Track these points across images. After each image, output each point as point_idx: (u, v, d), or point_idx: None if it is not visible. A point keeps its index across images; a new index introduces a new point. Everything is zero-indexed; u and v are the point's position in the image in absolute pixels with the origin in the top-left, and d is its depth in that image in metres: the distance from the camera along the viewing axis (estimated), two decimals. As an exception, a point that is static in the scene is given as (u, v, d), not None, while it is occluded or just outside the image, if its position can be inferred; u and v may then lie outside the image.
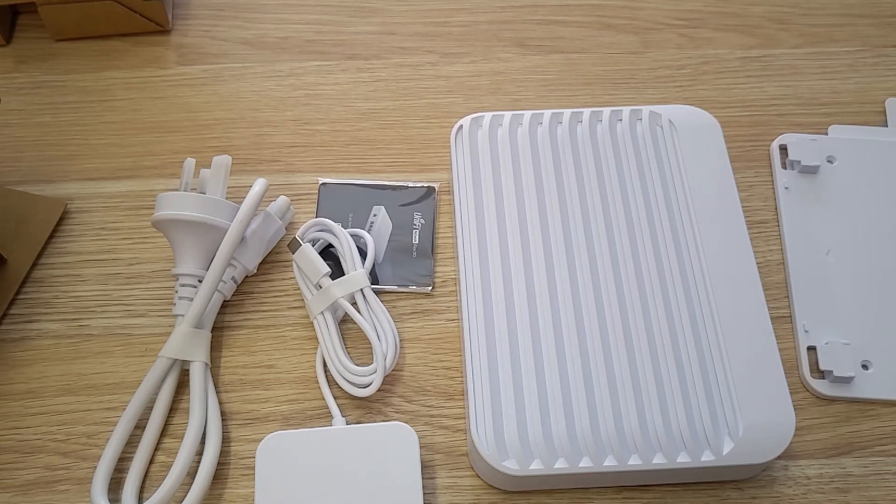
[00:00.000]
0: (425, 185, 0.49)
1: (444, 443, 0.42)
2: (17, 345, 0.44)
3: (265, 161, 0.50)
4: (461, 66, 0.54)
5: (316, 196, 0.49)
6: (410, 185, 0.49)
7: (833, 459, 0.42)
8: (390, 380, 0.43)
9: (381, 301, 0.44)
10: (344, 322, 0.45)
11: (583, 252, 0.44)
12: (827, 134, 0.51)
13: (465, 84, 0.54)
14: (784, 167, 0.50)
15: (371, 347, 0.43)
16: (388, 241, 0.47)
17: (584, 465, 0.38)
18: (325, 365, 0.43)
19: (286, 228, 0.47)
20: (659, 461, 0.39)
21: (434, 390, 0.43)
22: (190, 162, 0.45)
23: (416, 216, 0.48)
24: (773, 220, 0.49)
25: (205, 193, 0.44)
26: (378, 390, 0.41)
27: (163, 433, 0.42)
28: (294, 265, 0.45)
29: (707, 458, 0.39)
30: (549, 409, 0.40)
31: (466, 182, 0.46)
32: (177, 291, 0.43)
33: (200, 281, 0.43)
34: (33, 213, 0.47)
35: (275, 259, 0.47)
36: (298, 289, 0.46)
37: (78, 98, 0.53)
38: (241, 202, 0.43)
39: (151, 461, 0.41)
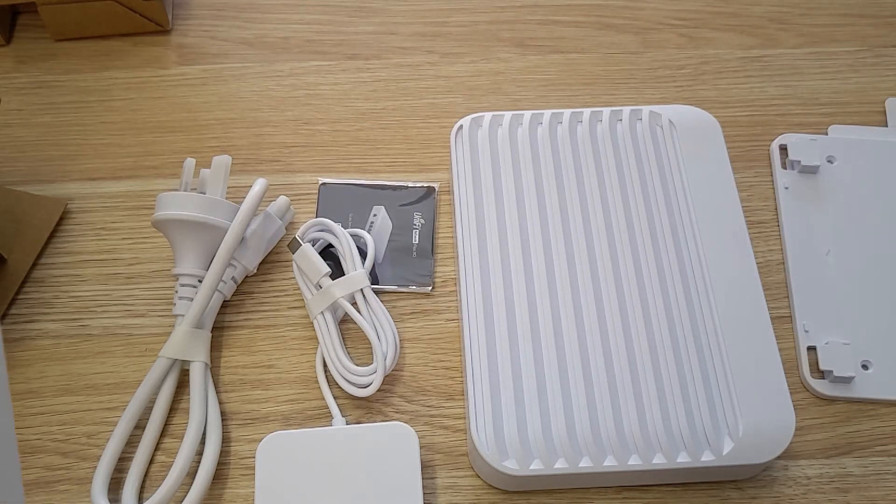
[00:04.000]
0: (425, 185, 0.49)
1: (444, 443, 0.42)
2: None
3: (265, 161, 0.50)
4: (461, 66, 0.54)
5: (316, 196, 0.49)
6: (410, 185, 0.49)
7: (833, 459, 0.42)
8: (390, 380, 0.43)
9: (381, 301, 0.44)
10: (344, 322, 0.45)
11: (583, 252, 0.44)
12: (827, 134, 0.51)
13: (465, 84, 0.54)
14: (784, 167, 0.50)
15: (371, 347, 0.43)
16: (388, 241, 0.47)
17: (584, 465, 0.38)
18: (325, 365, 0.43)
19: (286, 228, 0.47)
20: (659, 461, 0.39)
21: (434, 390, 0.43)
22: (190, 162, 0.45)
23: (416, 216, 0.48)
24: (773, 220, 0.49)
25: (205, 193, 0.44)
26: (378, 390, 0.41)
27: (163, 433, 0.42)
28: (294, 265, 0.45)
29: (707, 458, 0.39)
30: (549, 409, 0.40)
31: (466, 182, 0.46)
32: (177, 291, 0.43)
33: (200, 281, 0.43)
34: (33, 213, 0.47)
35: (275, 259, 0.47)
36: (298, 289, 0.46)
37: (78, 98, 0.53)
38: (241, 202, 0.43)
39: (151, 461, 0.41)
